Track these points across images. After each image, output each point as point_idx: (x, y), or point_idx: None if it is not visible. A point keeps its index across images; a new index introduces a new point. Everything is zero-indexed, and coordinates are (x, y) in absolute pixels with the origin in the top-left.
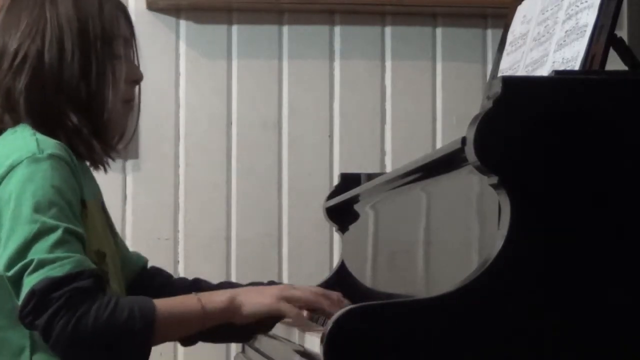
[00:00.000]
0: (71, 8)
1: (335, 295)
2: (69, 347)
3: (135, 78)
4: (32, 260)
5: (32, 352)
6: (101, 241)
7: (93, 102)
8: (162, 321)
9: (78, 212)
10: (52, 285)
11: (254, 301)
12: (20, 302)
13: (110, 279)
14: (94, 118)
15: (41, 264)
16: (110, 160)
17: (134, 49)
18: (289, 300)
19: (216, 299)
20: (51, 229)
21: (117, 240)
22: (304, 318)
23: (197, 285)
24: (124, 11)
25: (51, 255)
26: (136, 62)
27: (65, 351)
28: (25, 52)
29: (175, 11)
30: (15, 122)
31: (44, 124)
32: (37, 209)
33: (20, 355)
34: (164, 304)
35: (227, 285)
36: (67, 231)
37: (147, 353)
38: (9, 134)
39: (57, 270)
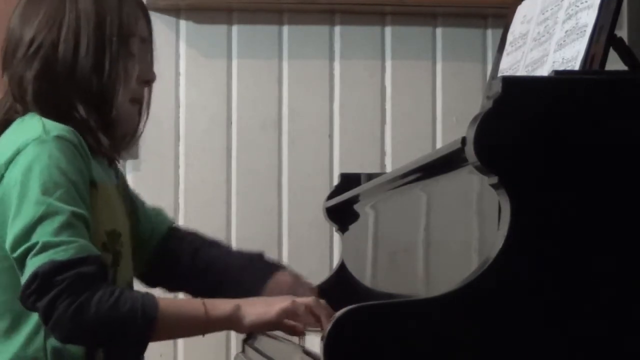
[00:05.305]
0: (91, 3)
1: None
2: (68, 330)
3: (148, 78)
4: (36, 243)
5: (47, 336)
6: (117, 222)
7: (103, 97)
8: (163, 320)
9: (85, 193)
10: (56, 269)
11: (257, 313)
12: (22, 283)
13: (122, 259)
14: (102, 113)
15: (46, 247)
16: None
17: (151, 50)
18: (292, 318)
19: (221, 307)
20: (57, 212)
21: (140, 219)
22: (304, 333)
23: (195, 263)
24: (144, 11)
25: (56, 239)
26: (152, 63)
27: (63, 334)
28: (40, 42)
29: (175, 11)
30: (25, 111)
31: (51, 114)
32: (44, 190)
33: (35, 335)
34: (167, 304)
35: (219, 265)
36: (73, 214)
37: (144, 347)
38: (17, 122)
39: (62, 254)
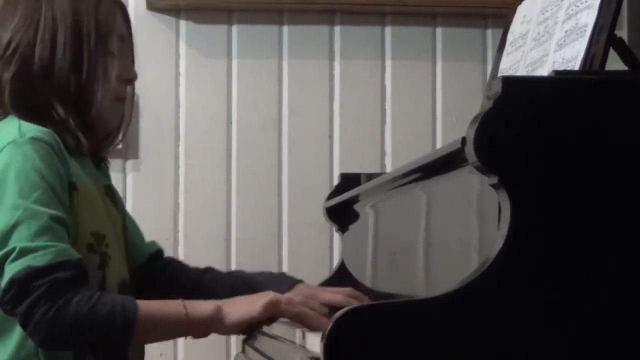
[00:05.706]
0: (68, 3)
1: (318, 306)
2: (46, 334)
3: (129, 77)
4: (14, 248)
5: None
6: (101, 223)
7: (82, 96)
8: (142, 322)
9: (63, 194)
10: (33, 275)
11: (239, 312)
12: (1, 289)
13: (111, 260)
14: (82, 113)
15: (23, 252)
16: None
17: (131, 48)
18: (275, 310)
19: (201, 308)
20: (34, 215)
21: (125, 225)
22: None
23: (207, 274)
24: (122, 8)
25: (33, 244)
26: (132, 61)
27: (41, 339)
28: (17, 43)
29: (175, 11)
30: (5, 114)
31: (30, 115)
32: (21, 194)
33: (27, 338)
34: (147, 306)
35: (237, 274)
36: (51, 218)
37: (124, 351)
38: None
39: (39, 260)
